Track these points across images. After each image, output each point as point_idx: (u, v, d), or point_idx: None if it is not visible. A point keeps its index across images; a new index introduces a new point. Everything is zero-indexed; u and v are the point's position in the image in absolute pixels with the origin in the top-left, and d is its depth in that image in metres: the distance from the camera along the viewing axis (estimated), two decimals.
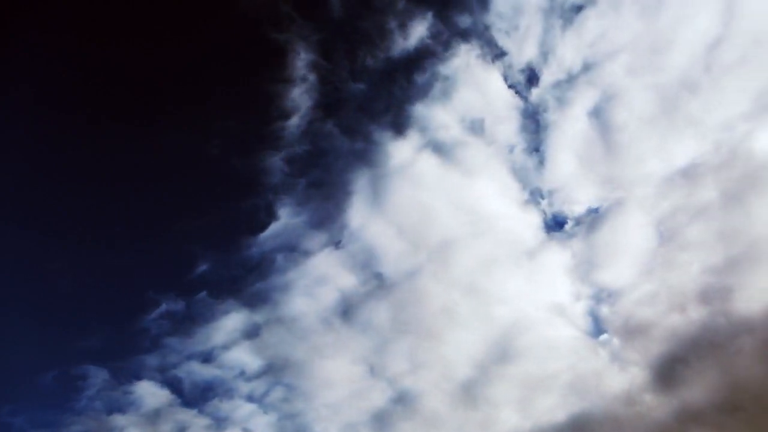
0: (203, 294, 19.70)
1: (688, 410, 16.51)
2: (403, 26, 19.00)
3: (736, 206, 17.73)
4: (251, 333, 19.56)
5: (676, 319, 17.68)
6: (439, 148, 19.74)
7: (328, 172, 19.67)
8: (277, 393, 18.88)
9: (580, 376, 17.90)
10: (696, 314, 17.48)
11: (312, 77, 19.18)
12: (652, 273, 18.56)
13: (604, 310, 19.06)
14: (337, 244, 19.66)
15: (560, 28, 19.10)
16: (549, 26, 19.08)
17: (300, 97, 19.08)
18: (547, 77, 19.55)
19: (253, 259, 19.85)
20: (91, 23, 18.36)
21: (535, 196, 20.12)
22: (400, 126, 19.71)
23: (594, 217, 19.74)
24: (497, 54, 19.62)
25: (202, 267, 19.55)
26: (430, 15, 19.29)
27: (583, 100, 19.39)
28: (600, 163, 19.48)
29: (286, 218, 19.70)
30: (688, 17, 18.38)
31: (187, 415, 18.68)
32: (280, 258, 19.77)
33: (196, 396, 18.93)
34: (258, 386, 18.80)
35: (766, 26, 17.55)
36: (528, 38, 19.20)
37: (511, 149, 19.98)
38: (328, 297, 19.26)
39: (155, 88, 19.19)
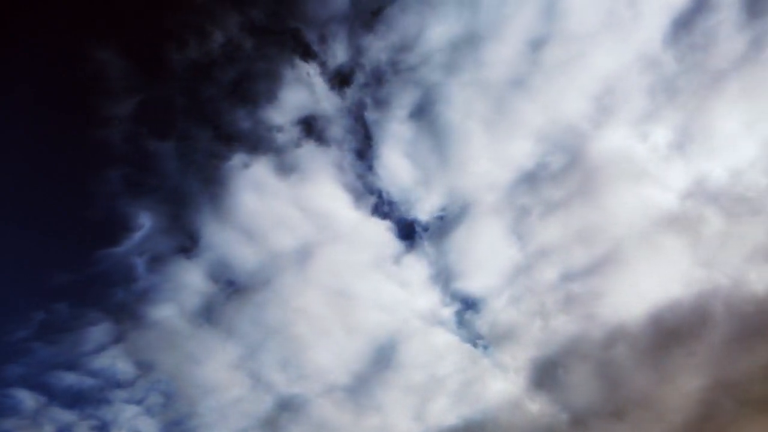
0: (64, 304, 19.73)
1: (575, 415, 16.80)
2: (214, 25, 18.04)
3: (590, 207, 18.05)
4: (118, 339, 19.94)
5: (544, 324, 18.02)
6: (271, 151, 18.92)
7: (167, 179, 19.33)
8: (156, 398, 19.08)
9: (464, 381, 18.10)
10: (564, 319, 17.87)
11: (126, 83, 18.16)
12: (513, 279, 18.61)
13: (473, 317, 19.00)
14: (192, 251, 19.88)
15: (368, 29, 18.12)
16: (357, 27, 18.09)
17: (119, 105, 18.16)
18: (360, 78, 18.54)
19: (114, 268, 19.85)
20: None
21: (381, 203, 19.49)
22: (226, 129, 19.39)
23: (442, 224, 19.39)
24: (312, 56, 18.68)
25: (63, 277, 19.45)
26: (236, 14, 18.25)
27: (402, 100, 18.68)
28: (439, 167, 19.04)
29: (145, 227, 19.55)
30: (508, 15, 17.81)
31: (68, 418, 19.16)
32: (140, 266, 19.81)
33: (71, 401, 19.41)
34: (135, 392, 19.16)
35: (592, 26, 17.60)
36: (338, 41, 18.24)
37: (345, 153, 19.23)
38: (191, 303, 19.53)
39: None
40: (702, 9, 17.08)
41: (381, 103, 18.72)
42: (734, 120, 16.99)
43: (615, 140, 17.90)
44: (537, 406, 17.44)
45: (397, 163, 19.04)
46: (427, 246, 19.41)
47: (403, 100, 18.73)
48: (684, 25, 17.32)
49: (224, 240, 19.34)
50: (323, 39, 18.02)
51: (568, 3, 17.65)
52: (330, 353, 18.82)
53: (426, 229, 19.54)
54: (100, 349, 19.86)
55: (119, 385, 19.76)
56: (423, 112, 18.66)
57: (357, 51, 18.35)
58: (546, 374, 17.66)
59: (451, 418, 17.69)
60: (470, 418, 17.60)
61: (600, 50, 17.70)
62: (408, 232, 19.60)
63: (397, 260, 19.46)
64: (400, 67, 18.30)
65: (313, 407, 18.31)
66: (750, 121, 16.94)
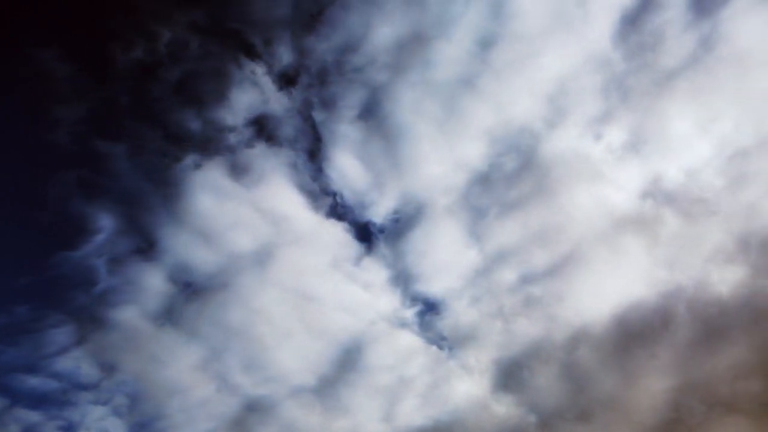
0: (25, 307, 19.70)
1: (543, 417, 16.84)
2: (160, 25, 17.55)
3: (547, 208, 17.97)
4: (80, 342, 19.98)
5: (506, 326, 18.05)
6: (222, 152, 18.61)
7: (121, 181, 19.12)
8: (121, 399, 19.08)
9: (430, 383, 18.14)
10: (526, 321, 17.88)
11: (73, 85, 17.76)
12: (473, 281, 18.57)
13: (436, 319, 18.96)
14: (151, 253, 19.80)
15: (310, 30, 17.71)
16: (298, 29, 17.70)
17: (67, 108, 17.79)
18: (306, 79, 18.20)
19: (74, 270, 19.84)
20: None
21: (336, 205, 19.32)
22: (175, 130, 19.07)
23: (398, 227, 19.23)
24: (258, 56, 18.24)
25: (22, 281, 19.42)
26: (181, 14, 17.73)
27: (350, 101, 18.40)
28: (390, 169, 18.84)
29: (103, 229, 19.47)
30: (456, 15, 17.55)
31: (34, 418, 19.30)
32: (100, 268, 19.79)
33: (35, 402, 19.52)
34: (100, 394, 19.14)
35: (542, 26, 17.38)
36: (282, 42, 17.82)
37: (298, 154, 18.96)
38: (153, 305, 19.52)
39: None
40: (648, 7, 16.92)
41: (328, 104, 18.54)
42: (687, 120, 16.96)
43: (569, 141, 17.83)
44: (503, 408, 17.55)
45: (348, 165, 18.89)
46: (384, 248, 19.33)
47: (351, 101, 18.54)
48: (631, 23, 17.16)
49: (181, 241, 19.17)
50: (268, 40, 17.70)
51: (517, 2, 17.46)
52: (295, 355, 18.80)
53: (382, 231, 19.43)
54: (63, 351, 19.84)
55: (83, 387, 19.81)
56: (371, 113, 18.50)
57: (300, 52, 18.13)
58: (510, 376, 17.76)
59: (420, 419, 17.81)
60: (438, 419, 17.68)
61: (550, 50, 17.55)
62: (365, 234, 19.47)
63: (357, 262, 19.40)
64: (346, 68, 18.11)
65: (280, 409, 18.38)
66: (704, 121, 16.90)
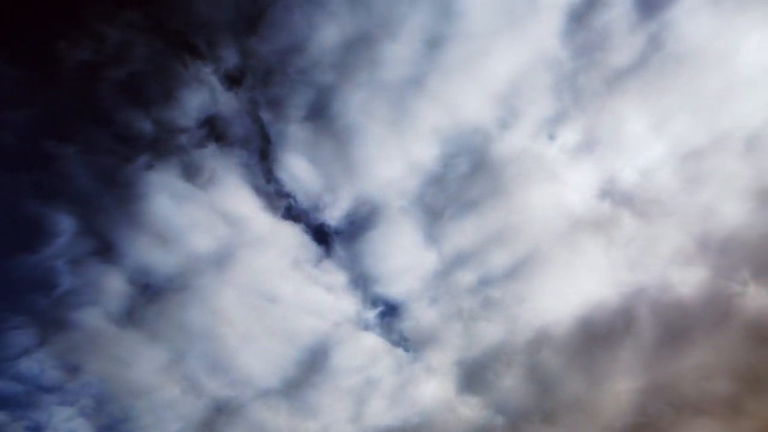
0: None
1: (508, 419, 16.87)
2: (106, 25, 17.07)
3: (503, 210, 17.82)
4: (43, 344, 19.92)
5: (467, 328, 18.03)
6: (174, 153, 18.25)
7: (75, 183, 18.84)
8: (87, 401, 19.05)
9: (396, 384, 18.14)
10: (487, 323, 17.86)
11: (19, 86, 17.34)
12: (432, 283, 18.54)
13: (398, 321, 18.92)
14: (110, 254, 19.66)
15: (252, 31, 17.23)
16: (241, 30, 17.19)
17: (15, 109, 17.41)
18: (251, 80, 17.85)
19: (35, 273, 19.74)
20: None
21: (291, 207, 19.02)
22: (125, 131, 18.73)
23: (353, 229, 19.03)
24: (204, 57, 17.78)
25: None
26: (127, 14, 17.23)
27: (297, 102, 18.04)
28: (342, 171, 18.58)
29: (62, 232, 19.30)
30: (402, 14, 17.09)
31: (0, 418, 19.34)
32: (61, 270, 19.68)
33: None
34: (65, 396, 19.06)
35: (490, 24, 17.00)
36: (226, 43, 17.42)
37: (250, 155, 18.65)
38: (115, 306, 19.39)
39: None
40: (595, 5, 16.55)
41: (274, 106, 18.25)
42: (641, 119, 16.76)
43: (522, 141, 17.68)
44: (469, 410, 17.58)
45: (299, 167, 18.67)
46: (341, 251, 19.24)
47: (298, 102, 18.24)
48: (578, 21, 16.80)
49: (139, 243, 18.93)
50: (211, 42, 17.32)
51: (464, 1, 17.09)
52: (261, 357, 18.77)
53: (338, 233, 19.31)
54: (25, 353, 19.73)
55: (47, 389, 19.80)
56: (320, 115, 18.23)
57: (244, 54, 17.79)
58: (474, 378, 17.79)
59: (388, 420, 17.86)
60: (406, 420, 17.73)
61: (500, 49, 17.25)
62: (322, 236, 19.33)
63: (316, 264, 19.27)
64: (290, 69, 17.80)
65: (248, 411, 18.38)
66: (657, 121, 16.70)
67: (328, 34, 17.24)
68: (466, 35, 17.16)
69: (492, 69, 17.38)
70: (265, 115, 18.13)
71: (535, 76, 17.26)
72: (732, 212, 16.39)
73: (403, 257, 18.80)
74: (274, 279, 19.25)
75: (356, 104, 17.75)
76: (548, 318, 17.60)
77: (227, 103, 18.05)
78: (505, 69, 17.44)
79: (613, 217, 17.20)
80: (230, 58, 17.68)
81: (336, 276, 19.35)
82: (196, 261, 19.34)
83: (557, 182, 17.53)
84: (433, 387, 18.17)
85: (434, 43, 17.28)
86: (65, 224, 19.25)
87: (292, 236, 19.26)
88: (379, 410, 18.10)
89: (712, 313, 16.68)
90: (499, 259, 18.11)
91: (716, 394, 16.27)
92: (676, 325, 16.85)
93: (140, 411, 18.94)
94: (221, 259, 19.12)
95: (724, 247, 16.67)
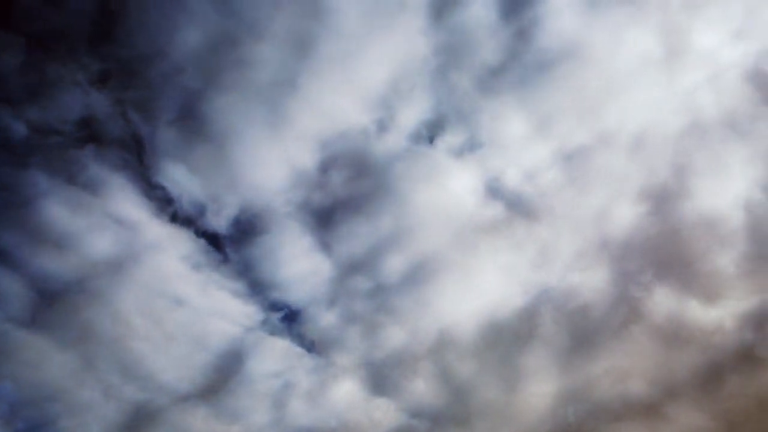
0: None
1: (424, 422, 16.77)
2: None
3: (390, 214, 17.50)
4: None
5: (370, 333, 17.90)
6: (48, 155, 17.59)
7: None
8: (1, 405, 19.59)
9: (310, 388, 18.05)
10: (389, 327, 17.70)
11: None
12: (329, 288, 18.24)
13: (303, 326, 18.70)
14: (6, 259, 19.49)
15: (109, 36, 16.35)
16: (98, 33, 16.54)
17: None
18: (118, 83, 17.08)
19: None
20: None
21: (178, 212, 18.55)
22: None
23: (242, 235, 18.64)
24: (67, 61, 17.05)
25: None
26: None
27: (166, 105, 17.35)
28: (221, 177, 18.07)
29: None
30: (267, 14, 16.51)
31: None
32: None
33: None
34: None
35: (359, 23, 16.38)
36: (86, 48, 16.72)
37: (128, 159, 17.88)
38: (18, 311, 19.29)
39: None
40: (454, 1, 15.58)
41: (143, 109, 17.70)
42: (520, 118, 16.13)
43: (402, 143, 17.34)
44: (384, 414, 17.48)
45: (177, 171, 18.16)
46: (236, 256, 18.96)
47: (165, 105, 17.69)
48: (438, 19, 15.93)
49: (33, 248, 18.74)
50: (71, 46, 16.59)
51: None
52: (173, 361, 18.48)
53: (230, 239, 18.99)
54: None
55: None
56: (190, 117, 17.69)
57: (104, 59, 17.19)
58: (384, 381, 17.65)
59: (306, 422, 17.77)
60: (324, 425, 17.67)
61: (371, 48, 16.79)
62: (216, 242, 19.00)
63: (216, 268, 18.97)
64: (154, 73, 17.25)
65: (168, 415, 18.18)
66: (538, 120, 16.06)
67: (189, 36, 16.71)
68: (336, 34, 16.72)
69: (365, 69, 16.98)
70: (135, 117, 17.64)
71: (408, 77, 16.91)
72: (626, 214, 16.02)
73: (297, 263, 18.52)
74: (177, 283, 18.90)
75: (227, 107, 17.31)
76: (450, 321, 17.41)
77: (99, 105, 17.50)
78: (379, 69, 17.04)
79: (504, 218, 16.80)
80: (93, 62, 17.10)
81: (237, 281, 19.08)
82: (94, 265, 19.02)
83: (443, 184, 17.30)
84: (346, 390, 18.12)
85: (303, 44, 16.84)
86: None
87: (186, 241, 18.91)
88: (297, 413, 18.02)
89: (618, 316, 16.65)
90: (394, 262, 17.89)
91: (633, 399, 16.26)
92: (584, 328, 16.88)
93: (58, 414, 19.19)
94: (120, 263, 18.70)
95: (624, 250, 16.36)
